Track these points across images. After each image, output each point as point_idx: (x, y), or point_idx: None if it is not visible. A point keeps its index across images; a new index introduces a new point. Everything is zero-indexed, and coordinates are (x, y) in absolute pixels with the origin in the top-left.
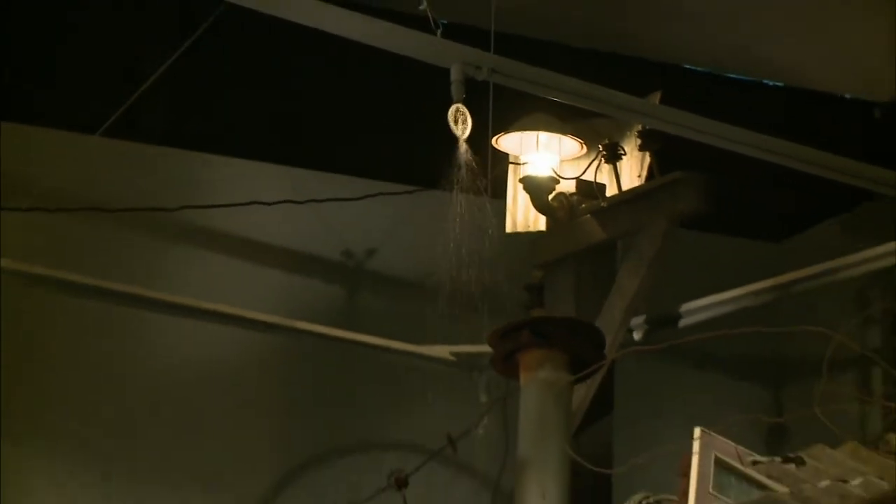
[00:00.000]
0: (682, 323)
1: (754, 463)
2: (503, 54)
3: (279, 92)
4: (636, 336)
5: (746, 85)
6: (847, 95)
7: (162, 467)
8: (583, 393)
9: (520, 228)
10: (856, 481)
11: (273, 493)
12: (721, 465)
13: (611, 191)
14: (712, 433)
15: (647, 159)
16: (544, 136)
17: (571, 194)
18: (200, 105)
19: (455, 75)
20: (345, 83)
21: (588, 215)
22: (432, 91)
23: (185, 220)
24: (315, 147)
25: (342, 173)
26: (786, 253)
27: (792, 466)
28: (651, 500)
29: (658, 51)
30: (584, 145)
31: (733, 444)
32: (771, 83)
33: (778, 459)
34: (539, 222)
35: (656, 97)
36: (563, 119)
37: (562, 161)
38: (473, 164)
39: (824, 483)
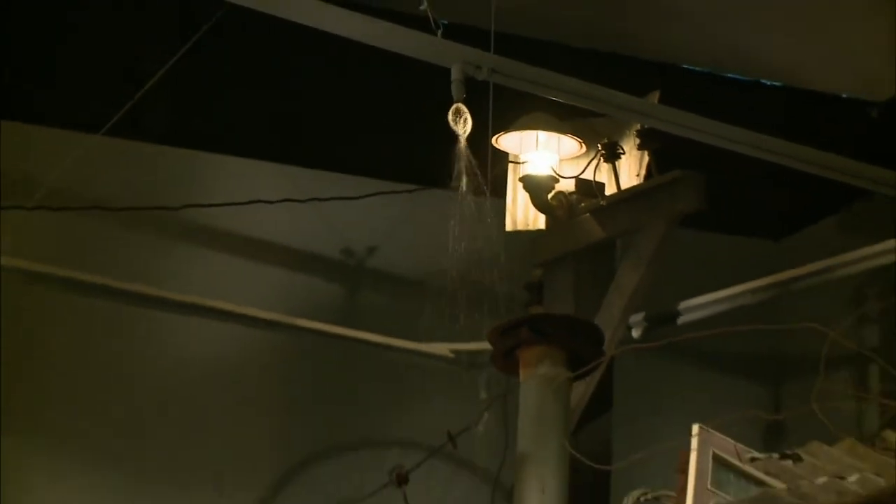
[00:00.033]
0: (681, 321)
1: (752, 459)
2: (503, 54)
3: (280, 91)
4: (635, 334)
5: (745, 85)
6: (844, 95)
7: (164, 463)
8: (582, 390)
9: (519, 227)
10: (852, 478)
11: (274, 489)
12: (719, 462)
13: (610, 190)
14: (710, 430)
15: (646, 158)
16: (544, 135)
17: (571, 193)
18: (202, 105)
19: (455, 75)
20: (345, 83)
21: (587, 214)
22: (432, 91)
23: (188, 218)
24: (316, 146)
25: (343, 172)
26: (784, 251)
27: (789, 463)
28: (649, 496)
29: (657, 51)
30: (583, 144)
31: (731, 440)
32: (769, 83)
33: (775, 456)
34: (539, 221)
35: (655, 97)
36: (562, 118)
37: (561, 160)
38: (473, 163)
39: (821, 479)
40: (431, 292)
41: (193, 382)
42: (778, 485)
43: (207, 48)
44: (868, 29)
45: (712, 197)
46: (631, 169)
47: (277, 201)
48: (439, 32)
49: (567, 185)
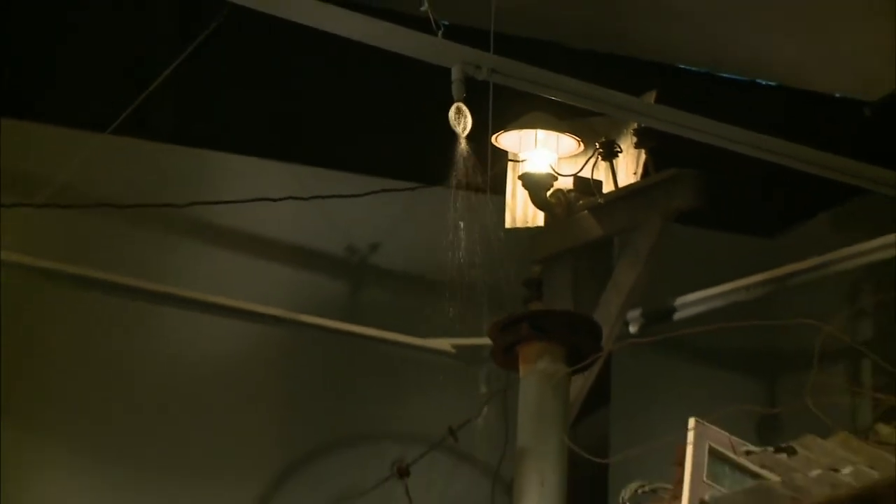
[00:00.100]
0: (677, 317)
1: (747, 453)
2: (503, 54)
3: (283, 91)
4: (632, 329)
5: (743, 85)
6: (837, 94)
7: (167, 459)
8: (580, 384)
9: (519, 224)
10: (846, 470)
11: (277, 482)
12: (715, 455)
13: (607, 187)
14: (706, 424)
15: (643, 157)
16: (542, 133)
17: (569, 191)
18: (207, 104)
19: (456, 75)
20: (346, 83)
21: (585, 211)
22: (432, 90)
23: (193, 216)
24: (318, 145)
25: (345, 171)
26: (779, 247)
27: (784, 456)
28: (647, 488)
29: (656, 51)
30: (581, 143)
31: (727, 434)
32: (764, 83)
33: (770, 449)
34: (538, 218)
35: (651, 96)
36: (560, 117)
37: (560, 158)
38: (473, 161)
39: (815, 472)
40: (433, 288)
41: (197, 378)
42: (773, 477)
43: (210, 48)
44: (867, 29)
45: (708, 194)
46: (628, 167)
47: (281, 199)
48: (440, 33)
49: (565, 183)
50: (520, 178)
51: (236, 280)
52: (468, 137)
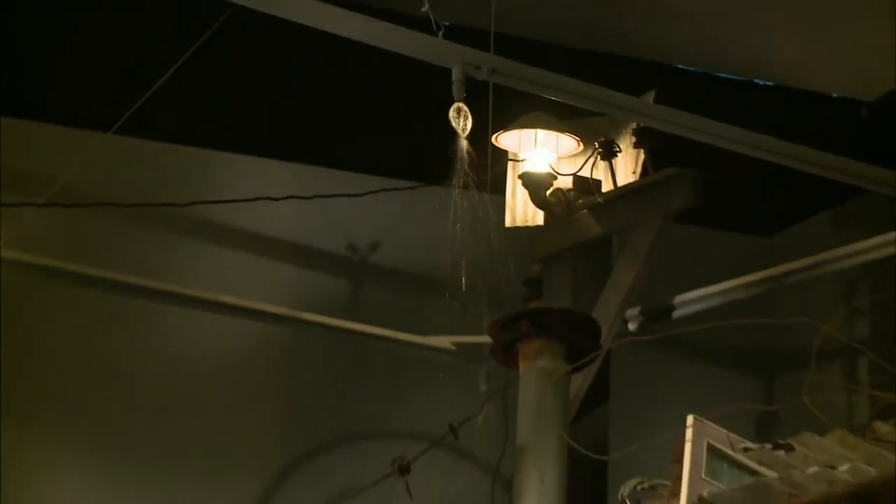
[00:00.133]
0: (676, 315)
1: (745, 450)
2: (503, 54)
3: (284, 91)
4: (631, 327)
5: (742, 85)
6: (836, 94)
7: (169, 457)
8: (580, 382)
9: (519, 223)
10: (843, 467)
11: (279, 479)
12: (713, 452)
13: (606, 187)
14: (705, 421)
15: (642, 156)
16: (542, 133)
17: (568, 190)
18: (208, 103)
19: (456, 75)
20: (346, 83)
21: (584, 211)
22: (433, 90)
23: (195, 215)
24: (319, 144)
25: (346, 170)
26: (777, 246)
27: (781, 453)
28: (646, 485)
29: (656, 51)
30: (580, 142)
31: (725, 431)
32: (763, 83)
33: (768, 446)
34: (537, 217)
35: (650, 96)
36: (560, 117)
37: (559, 158)
38: (474, 160)
39: (813, 469)
40: (433, 287)
41: (197, 376)
42: (770, 474)
43: (211, 48)
44: (867, 29)
45: (707, 194)
46: (627, 166)
47: (282, 198)
48: (440, 33)
49: (565, 183)
50: (520, 177)
51: (237, 279)
52: (468, 137)
